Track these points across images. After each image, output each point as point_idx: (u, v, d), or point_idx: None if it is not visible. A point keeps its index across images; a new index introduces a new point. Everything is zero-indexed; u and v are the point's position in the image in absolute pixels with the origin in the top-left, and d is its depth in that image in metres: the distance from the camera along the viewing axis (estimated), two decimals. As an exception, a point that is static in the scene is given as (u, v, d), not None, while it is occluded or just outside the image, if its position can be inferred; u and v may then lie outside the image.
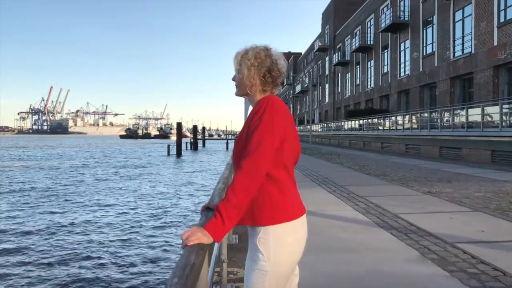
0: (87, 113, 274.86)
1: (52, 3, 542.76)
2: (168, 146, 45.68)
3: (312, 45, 56.38)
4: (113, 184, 19.18)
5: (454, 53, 20.34)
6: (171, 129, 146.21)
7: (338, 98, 43.45)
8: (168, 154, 42.78)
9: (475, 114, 15.35)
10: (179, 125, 44.78)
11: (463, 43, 19.58)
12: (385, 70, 29.64)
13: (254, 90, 1.65)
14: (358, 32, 35.49)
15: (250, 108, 1.68)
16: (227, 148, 54.04)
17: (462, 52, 19.55)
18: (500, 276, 3.12)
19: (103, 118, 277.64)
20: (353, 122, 30.78)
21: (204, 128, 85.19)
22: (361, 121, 28.74)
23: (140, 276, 6.75)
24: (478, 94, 18.09)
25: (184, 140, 51.90)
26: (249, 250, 1.59)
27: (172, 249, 8.25)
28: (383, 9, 29.41)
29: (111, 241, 8.90)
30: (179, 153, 41.22)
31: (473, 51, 18.50)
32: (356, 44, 33.61)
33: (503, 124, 13.41)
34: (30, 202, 13.90)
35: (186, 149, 52.03)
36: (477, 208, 5.75)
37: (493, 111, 14.45)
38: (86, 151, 51.33)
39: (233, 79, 1.70)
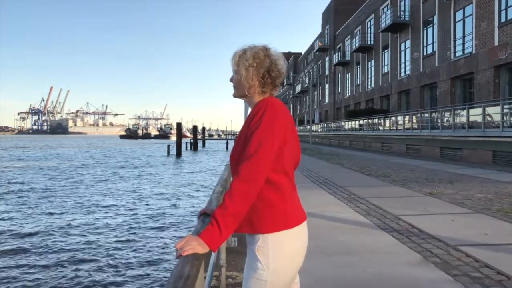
0: (87, 113, 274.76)
1: (52, 3, 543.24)
2: (168, 146, 45.63)
3: (312, 45, 56.33)
4: (112, 185, 19.12)
5: (454, 53, 20.27)
6: (171, 129, 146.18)
7: (338, 98, 43.39)
8: (168, 155, 42.73)
9: (476, 115, 15.29)
10: (179, 125, 44.73)
11: (463, 43, 19.52)
12: (386, 70, 29.58)
13: (252, 91, 1.58)
14: (358, 32, 35.44)
15: (249, 110, 1.62)
16: (227, 148, 54.00)
17: (463, 52, 19.49)
18: (504, 280, 3.06)
19: (103, 118, 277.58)
20: (353, 122, 30.72)
21: (204, 128, 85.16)
22: (361, 121, 28.68)
23: (138, 279, 6.69)
24: (479, 94, 18.02)
25: (184, 140, 51.84)
26: (247, 258, 1.52)
27: (171, 251, 8.19)
28: (383, 9, 29.36)
29: (109, 243, 8.84)
30: (179, 154, 41.15)
31: (473, 51, 18.44)
32: (356, 44, 33.56)
33: (505, 124, 13.34)
34: (29, 203, 13.83)
35: (186, 149, 51.96)
36: (479, 210, 5.69)
37: (494, 111, 14.39)
38: (85, 152, 51.27)
39: (231, 80, 1.63)
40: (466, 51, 19.22)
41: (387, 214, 5.52)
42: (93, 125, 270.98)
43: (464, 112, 15.88)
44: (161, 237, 9.36)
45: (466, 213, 5.52)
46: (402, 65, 26.77)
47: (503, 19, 16.62)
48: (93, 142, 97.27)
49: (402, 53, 26.75)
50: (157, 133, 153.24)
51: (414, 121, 20.88)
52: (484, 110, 14.46)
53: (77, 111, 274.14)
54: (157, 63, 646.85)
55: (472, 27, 18.53)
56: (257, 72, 1.55)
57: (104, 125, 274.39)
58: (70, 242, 8.90)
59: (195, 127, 59.82)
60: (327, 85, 48.38)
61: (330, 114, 46.53)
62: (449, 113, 17.59)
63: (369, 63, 33.17)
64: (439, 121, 17.94)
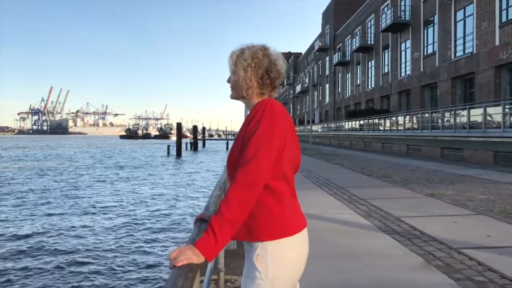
0: (87, 113, 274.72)
1: (52, 3, 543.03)
2: (168, 146, 45.60)
3: (312, 45, 56.28)
4: (112, 185, 19.07)
5: (455, 53, 20.21)
6: (171, 129, 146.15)
7: (339, 98, 43.33)
8: (168, 155, 42.69)
9: (477, 115, 15.23)
10: (179, 125, 44.67)
11: (464, 43, 19.45)
12: (386, 70, 29.52)
13: (251, 92, 1.51)
14: (358, 32, 35.38)
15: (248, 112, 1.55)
16: (227, 148, 53.93)
17: (464, 52, 19.43)
18: (508, 284, 3.00)
19: (103, 118, 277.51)
20: (353, 122, 30.66)
21: (204, 128, 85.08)
22: (361, 122, 28.63)
23: (136, 283, 6.63)
24: (480, 94, 17.96)
25: (184, 140, 51.79)
26: (245, 266, 1.46)
27: (168, 254, 8.12)
28: (383, 8, 29.30)
29: (107, 245, 8.78)
30: (179, 154, 41.09)
31: (474, 51, 18.37)
32: (357, 44, 33.50)
33: (506, 124, 13.28)
34: (27, 204, 13.78)
35: (186, 149, 51.91)
36: (481, 211, 5.63)
37: (495, 111, 14.33)
38: (85, 152, 51.22)
39: (228, 81, 1.57)
40: (466, 51, 19.15)
41: (388, 215, 5.46)
42: (93, 125, 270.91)
43: (465, 112, 15.81)
44: (161, 239, 9.30)
45: (468, 215, 5.46)
46: (403, 65, 26.71)
47: (504, 19, 16.55)
48: (93, 142, 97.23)
49: (403, 53, 26.69)
50: (157, 133, 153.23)
51: (415, 121, 20.82)
52: (485, 110, 14.40)
53: (77, 111, 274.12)
54: (157, 63, 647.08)
55: (473, 27, 18.46)
56: (255, 73, 1.49)
57: (104, 125, 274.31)
58: (68, 244, 8.84)
59: (195, 127, 59.77)
60: (327, 85, 48.32)
61: (330, 114, 46.47)
62: (449, 113, 17.53)
63: (369, 63, 33.11)
64: (440, 121, 17.88)
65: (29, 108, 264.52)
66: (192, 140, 55.73)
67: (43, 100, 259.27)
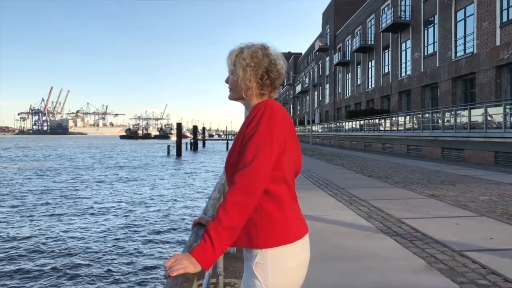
0: (87, 113, 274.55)
1: (52, 3, 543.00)
2: (168, 146, 45.58)
3: (313, 45, 56.23)
4: (111, 186, 19.02)
5: (456, 53, 20.16)
6: (171, 129, 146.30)
7: (339, 98, 43.27)
8: (168, 155, 42.66)
9: (477, 115, 15.17)
10: (179, 125, 44.63)
11: (465, 43, 19.40)
12: (386, 70, 29.47)
13: (250, 93, 1.45)
14: (358, 32, 35.32)
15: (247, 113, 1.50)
16: (227, 149, 53.88)
17: (464, 52, 19.37)
18: (512, 288, 2.95)
19: (103, 118, 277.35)
20: (353, 122, 30.62)
21: (204, 129, 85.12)
22: (362, 122, 28.58)
23: (135, 285, 6.58)
24: (480, 94, 17.91)
25: (184, 140, 51.78)
26: (244, 274, 1.40)
27: (167, 257, 8.07)
28: (384, 9, 29.24)
29: (105, 247, 8.73)
30: (179, 154, 41.05)
31: (475, 51, 18.32)
32: (357, 44, 33.44)
33: (507, 125, 13.23)
34: (26, 205, 13.72)
35: (186, 149, 51.88)
36: (483, 213, 5.58)
37: (496, 111, 14.28)
38: (85, 152, 51.17)
39: (227, 81, 1.51)
40: (467, 51, 19.10)
41: (389, 217, 5.41)
42: (93, 125, 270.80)
43: (466, 113, 15.76)
44: (160, 240, 9.24)
45: (470, 216, 5.41)
46: (403, 65, 26.66)
47: (505, 19, 16.50)
48: (93, 142, 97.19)
49: (403, 53, 26.63)
50: (158, 133, 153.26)
51: (415, 121, 20.77)
52: (486, 111, 14.35)
53: (78, 111, 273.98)
54: (158, 63, 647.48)
55: (474, 27, 18.41)
56: (255, 73, 1.43)
57: (105, 125, 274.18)
58: (66, 245, 8.78)
59: (195, 127, 59.75)
60: (327, 85, 48.27)
61: (330, 115, 46.42)
62: (450, 113, 17.48)
63: (370, 63, 33.05)
64: (440, 122, 17.83)
65: (29, 108, 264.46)
66: (192, 140, 55.70)
67: (44, 100, 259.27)
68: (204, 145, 65.90)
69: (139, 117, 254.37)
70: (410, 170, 11.95)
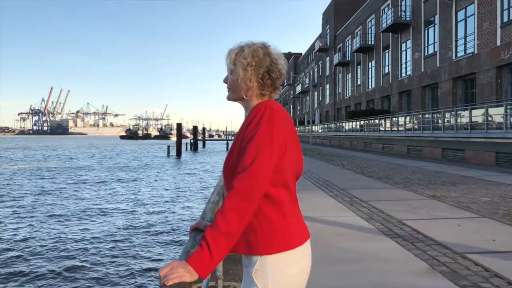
0: (87, 113, 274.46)
1: (52, 3, 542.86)
2: (168, 147, 45.53)
3: (313, 46, 56.19)
4: (111, 187, 18.98)
5: (456, 53, 20.11)
6: (171, 129, 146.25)
7: (339, 98, 43.23)
8: (168, 155, 42.60)
9: (478, 115, 15.13)
10: (179, 125, 44.59)
11: (465, 43, 19.36)
12: (386, 71, 29.43)
13: (250, 94, 1.40)
14: (358, 32, 35.28)
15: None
16: (227, 149, 53.83)
17: (465, 52, 19.33)
18: (516, 291, 2.91)
19: (104, 118, 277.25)
20: (354, 123, 30.57)
21: (204, 129, 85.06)
22: (362, 122, 28.53)
23: None
24: (481, 94, 17.87)
25: (184, 140, 51.73)
26: (243, 281, 1.35)
27: (166, 259, 8.02)
28: (384, 9, 29.20)
29: (103, 248, 8.68)
30: (179, 154, 41.01)
31: (475, 51, 18.28)
32: (357, 45, 33.40)
33: (508, 125, 13.18)
34: (24, 206, 13.68)
35: (186, 150, 51.83)
36: (485, 214, 5.53)
37: (497, 112, 14.23)
38: (85, 152, 51.12)
39: (225, 81, 1.45)
40: (468, 51, 19.06)
41: (390, 218, 5.36)
42: (94, 125, 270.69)
43: (466, 113, 15.72)
44: (159, 243, 9.20)
45: (472, 218, 5.36)
46: (403, 66, 26.62)
47: (505, 19, 16.46)
48: (93, 142, 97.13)
49: (403, 53, 26.59)
50: (158, 133, 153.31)
51: (415, 121, 20.72)
52: (486, 111, 14.30)
53: (78, 111, 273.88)
54: (158, 63, 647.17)
55: (474, 27, 18.37)
56: (256, 72, 1.38)
57: (105, 125, 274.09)
58: (64, 247, 8.74)
59: (195, 128, 59.72)
60: (327, 86, 48.23)
61: (330, 115, 46.37)
62: (451, 113, 17.43)
63: (370, 63, 33.01)
64: (441, 122, 17.78)
65: (30, 108, 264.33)
66: (192, 141, 55.67)
67: (44, 101, 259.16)
68: (204, 146, 65.85)
69: (139, 117, 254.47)
70: (410, 170, 11.90)
